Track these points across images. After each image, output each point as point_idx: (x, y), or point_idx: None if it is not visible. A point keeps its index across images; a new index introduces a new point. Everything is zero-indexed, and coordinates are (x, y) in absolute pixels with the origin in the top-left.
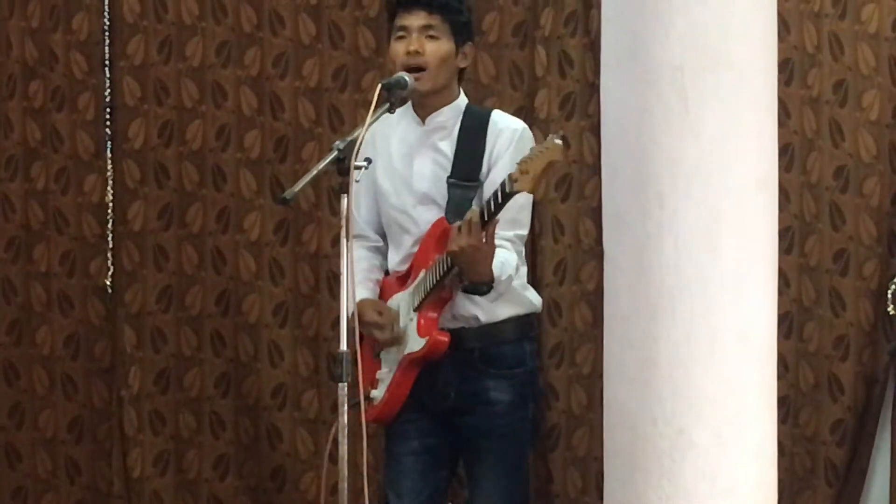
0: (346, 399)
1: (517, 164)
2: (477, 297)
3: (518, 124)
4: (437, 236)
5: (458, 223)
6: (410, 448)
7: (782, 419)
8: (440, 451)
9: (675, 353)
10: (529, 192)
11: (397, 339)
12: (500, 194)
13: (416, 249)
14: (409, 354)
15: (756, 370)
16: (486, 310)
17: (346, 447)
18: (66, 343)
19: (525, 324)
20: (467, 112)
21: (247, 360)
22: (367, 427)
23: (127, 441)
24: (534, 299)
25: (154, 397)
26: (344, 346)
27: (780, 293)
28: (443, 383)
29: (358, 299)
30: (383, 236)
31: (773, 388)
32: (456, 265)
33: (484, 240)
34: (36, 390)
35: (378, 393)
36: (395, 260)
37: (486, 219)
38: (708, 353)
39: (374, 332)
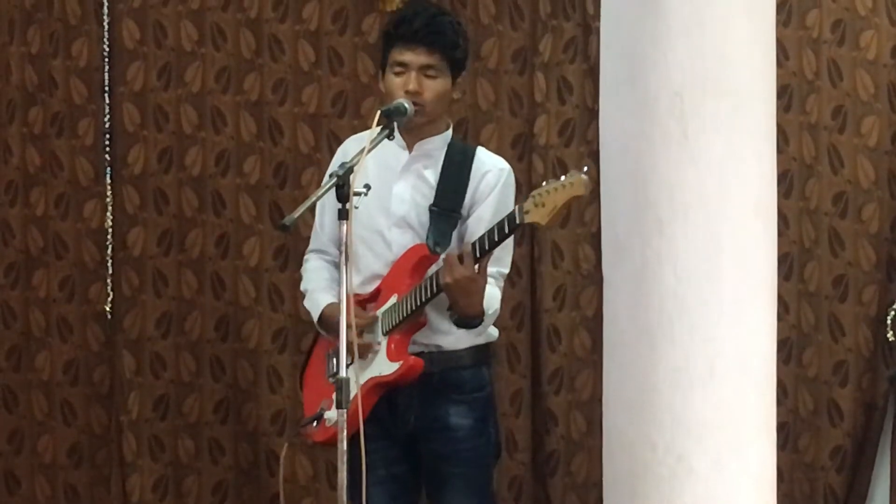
0: (344, 425)
1: (531, 195)
2: (442, 326)
3: (504, 165)
4: (415, 262)
5: (452, 253)
6: (377, 477)
7: (781, 445)
8: (406, 479)
9: (674, 379)
10: (544, 224)
11: (366, 347)
12: (506, 225)
13: (384, 272)
14: (376, 378)
15: (755, 396)
16: (448, 339)
17: (345, 473)
18: (65, 369)
19: (483, 351)
20: (451, 145)
21: (246, 386)
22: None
23: (126, 466)
24: (493, 331)
25: (153, 423)
26: (343, 373)
27: (780, 319)
28: (403, 408)
29: (324, 304)
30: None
31: (772, 414)
32: (448, 297)
33: (477, 272)
34: (35, 416)
35: (333, 415)
36: (356, 281)
37: (486, 248)
38: (707, 379)
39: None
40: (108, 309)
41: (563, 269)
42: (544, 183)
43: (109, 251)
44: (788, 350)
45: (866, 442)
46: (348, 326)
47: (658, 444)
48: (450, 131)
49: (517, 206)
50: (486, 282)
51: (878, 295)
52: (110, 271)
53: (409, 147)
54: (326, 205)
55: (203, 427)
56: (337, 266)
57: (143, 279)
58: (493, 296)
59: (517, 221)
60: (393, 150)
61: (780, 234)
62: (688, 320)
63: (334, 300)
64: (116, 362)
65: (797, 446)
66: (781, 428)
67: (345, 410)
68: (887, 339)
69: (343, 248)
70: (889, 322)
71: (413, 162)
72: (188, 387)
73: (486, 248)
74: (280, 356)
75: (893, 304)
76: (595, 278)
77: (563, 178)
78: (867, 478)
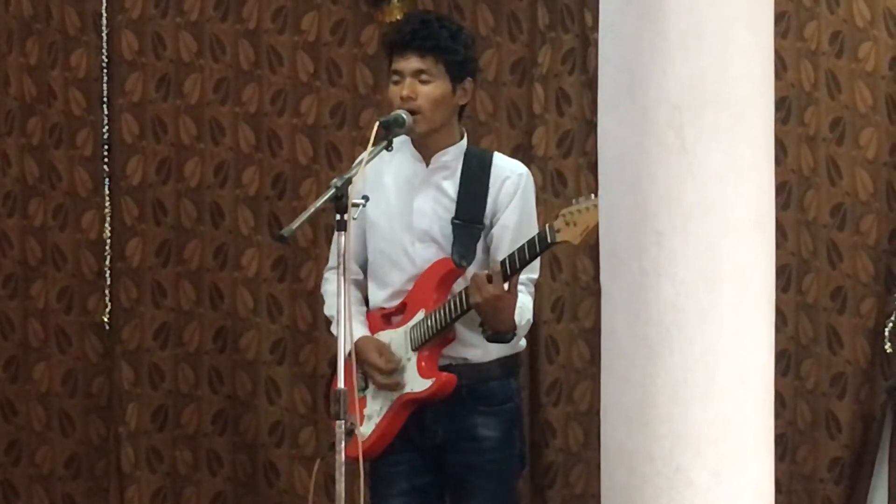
0: (343, 437)
1: (561, 214)
2: (470, 339)
3: (522, 169)
4: (441, 276)
5: (480, 273)
6: (400, 489)
7: (780, 457)
8: (429, 491)
9: (672, 391)
10: (577, 244)
11: (395, 385)
12: (537, 244)
13: (409, 287)
14: (408, 394)
15: (753, 408)
16: (476, 352)
17: (343, 485)
18: (63, 380)
19: (511, 362)
20: (468, 153)
21: (244, 397)
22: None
23: (124, 478)
24: (521, 341)
25: (151, 434)
26: (342, 384)
27: (778, 331)
28: (431, 420)
29: (357, 335)
30: (363, 269)
31: (770, 426)
32: (479, 315)
33: (507, 289)
34: (33, 427)
35: (365, 430)
36: (382, 296)
37: (517, 267)
38: (705, 391)
39: (375, 374)
40: (106, 320)
41: (561, 281)
42: (574, 201)
43: (108, 262)
44: (787, 362)
45: (864, 453)
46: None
47: (656, 456)
48: (464, 140)
49: (547, 225)
50: (516, 298)
51: (876, 307)
52: (108, 282)
53: (426, 160)
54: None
55: (201, 438)
56: (358, 284)
57: (142, 290)
58: (525, 306)
59: (549, 241)
60: (411, 164)
61: (778, 246)
62: (686, 332)
63: (365, 330)
64: (115, 373)
65: (795, 458)
66: (780, 440)
67: (342, 422)
68: (885, 350)
69: (341, 260)
70: (887, 334)
71: (431, 175)
72: (186, 398)
73: (518, 266)
74: (278, 367)
75: (891, 315)
76: (593, 290)
77: (593, 196)
78: (865, 489)
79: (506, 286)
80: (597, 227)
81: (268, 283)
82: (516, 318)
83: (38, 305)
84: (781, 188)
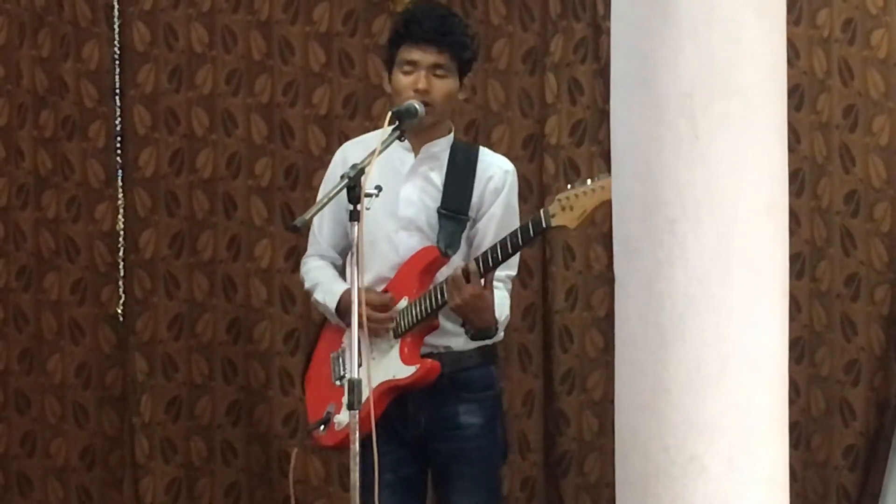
0: (356, 426)
1: (557, 199)
2: (451, 328)
3: (508, 165)
4: (425, 265)
5: (457, 273)
6: (385, 481)
7: (794, 444)
8: (414, 482)
9: (685, 380)
10: (573, 229)
11: (389, 321)
12: (531, 229)
13: (391, 275)
14: (390, 381)
15: (767, 396)
16: (458, 340)
17: (357, 474)
18: (77, 371)
19: (490, 350)
20: (454, 146)
21: (258, 388)
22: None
23: (138, 469)
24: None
25: (165, 425)
26: (355, 374)
27: (792, 318)
28: (413, 410)
29: (341, 291)
30: (343, 255)
31: (784, 413)
32: (460, 316)
33: (484, 285)
34: (47, 419)
35: (344, 418)
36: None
37: (500, 258)
38: (719, 380)
39: (376, 314)
40: (119, 311)
41: (574, 270)
42: (569, 186)
43: (121, 254)
44: (801, 349)
45: (879, 440)
46: (360, 326)
47: (670, 445)
48: (452, 133)
49: (542, 210)
50: (493, 294)
51: (890, 294)
52: (122, 274)
53: (415, 150)
54: (325, 209)
55: (215, 429)
56: (337, 267)
57: (155, 281)
58: (502, 302)
59: (543, 225)
60: (398, 153)
61: (791, 234)
62: (699, 320)
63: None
64: (128, 365)
65: (810, 445)
66: (794, 427)
67: (356, 412)
68: None
69: (355, 250)
70: None
71: (419, 164)
72: (200, 389)
73: (500, 258)
74: (292, 358)
75: None
76: (606, 278)
77: (589, 181)
78: (880, 476)
79: (483, 282)
80: (595, 210)
81: (281, 273)
82: (496, 314)
83: (52, 297)
84: (794, 175)
